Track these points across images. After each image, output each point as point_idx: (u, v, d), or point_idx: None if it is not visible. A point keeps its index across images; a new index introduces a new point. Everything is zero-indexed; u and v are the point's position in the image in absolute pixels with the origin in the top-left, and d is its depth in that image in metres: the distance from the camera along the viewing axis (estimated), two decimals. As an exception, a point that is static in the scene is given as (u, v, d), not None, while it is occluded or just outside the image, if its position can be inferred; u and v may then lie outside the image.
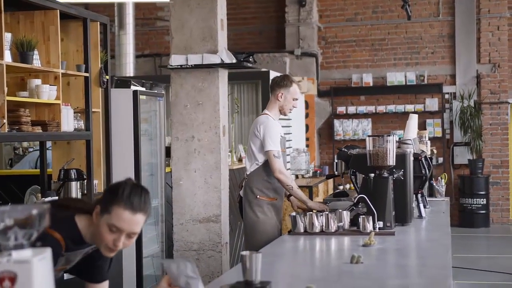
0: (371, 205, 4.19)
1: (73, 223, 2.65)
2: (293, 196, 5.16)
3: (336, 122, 12.72)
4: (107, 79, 5.92)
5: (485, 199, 12.05)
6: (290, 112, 5.32)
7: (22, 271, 1.69)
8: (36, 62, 4.91)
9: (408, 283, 2.90)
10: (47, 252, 1.76)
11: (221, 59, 5.39)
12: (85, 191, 5.60)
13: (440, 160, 12.35)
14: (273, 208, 5.17)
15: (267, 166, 5.09)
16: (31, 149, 8.14)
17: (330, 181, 10.80)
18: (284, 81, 5.23)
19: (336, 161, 5.00)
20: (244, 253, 2.72)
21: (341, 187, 10.17)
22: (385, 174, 4.33)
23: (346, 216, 4.26)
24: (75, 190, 5.40)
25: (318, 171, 10.53)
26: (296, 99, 5.26)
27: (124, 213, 2.53)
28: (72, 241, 2.62)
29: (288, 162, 9.72)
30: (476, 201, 12.02)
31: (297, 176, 10.09)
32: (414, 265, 3.40)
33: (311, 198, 8.80)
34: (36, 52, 4.91)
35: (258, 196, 5.13)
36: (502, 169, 12.41)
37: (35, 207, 1.76)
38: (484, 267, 8.75)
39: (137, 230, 2.59)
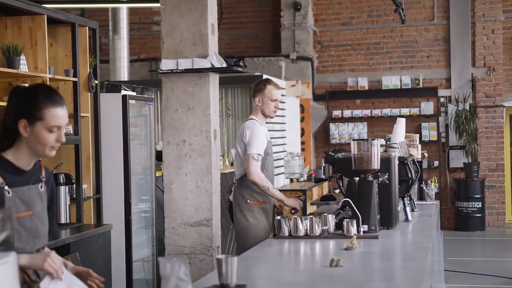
0: (355, 209, 4.20)
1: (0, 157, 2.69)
2: (270, 197, 5.21)
3: (332, 126, 12.73)
4: (96, 84, 5.94)
5: (480, 203, 12.05)
6: (275, 113, 5.36)
7: (-16, 275, 1.71)
8: (23, 67, 4.93)
9: (384, 286, 2.91)
10: (11, 256, 1.78)
11: (211, 64, 5.40)
12: (74, 196, 5.61)
13: (436, 163, 12.36)
14: (263, 211, 5.23)
15: None
16: None
17: (325, 184, 10.81)
18: (258, 86, 5.34)
19: (323, 164, 5.02)
20: (219, 256, 2.74)
21: (337, 191, 10.17)
22: (370, 178, 4.33)
23: (331, 219, 4.26)
24: (64, 194, 5.41)
25: (313, 175, 10.54)
26: (275, 100, 5.30)
27: (56, 111, 2.67)
28: (9, 173, 2.66)
29: (282, 166, 9.75)
30: (472, 204, 12.02)
31: (291, 180, 10.11)
32: (392, 268, 3.40)
33: (304, 202, 8.82)
34: (23, 57, 4.93)
35: (248, 201, 5.19)
36: (497, 173, 12.41)
37: (-2, 212, 1.78)
38: (478, 271, 8.76)
39: (67, 121, 2.77)
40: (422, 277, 2.92)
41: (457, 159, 12.39)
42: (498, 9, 12.37)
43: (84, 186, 5.78)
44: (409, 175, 4.93)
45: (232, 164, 8.54)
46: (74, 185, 5.60)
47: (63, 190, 5.43)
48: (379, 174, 4.41)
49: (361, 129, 12.65)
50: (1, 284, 1.73)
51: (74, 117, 5.62)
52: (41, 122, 2.65)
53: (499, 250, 10.58)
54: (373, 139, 4.36)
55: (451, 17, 12.47)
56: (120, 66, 10.78)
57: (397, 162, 4.63)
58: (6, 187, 2.62)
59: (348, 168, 4.42)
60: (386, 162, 4.47)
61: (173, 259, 2.48)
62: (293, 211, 5.22)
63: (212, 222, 5.49)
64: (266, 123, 5.45)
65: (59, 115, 2.67)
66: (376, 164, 4.32)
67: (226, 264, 2.72)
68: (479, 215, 12.06)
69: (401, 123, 5.54)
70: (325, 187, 10.85)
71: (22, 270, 2.57)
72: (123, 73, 10.79)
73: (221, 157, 8.36)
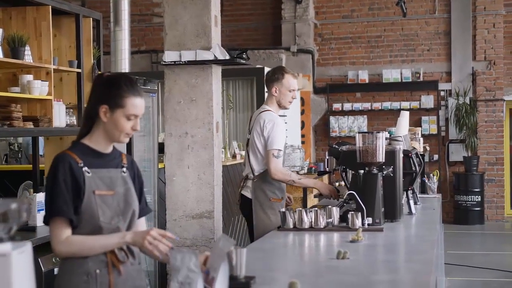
0: (360, 202, 4.21)
1: (78, 143, 2.87)
2: (302, 187, 5.07)
3: (332, 119, 12.74)
4: (100, 75, 5.94)
5: (480, 196, 12.08)
6: (290, 104, 5.26)
7: (1, 264, 1.71)
8: (28, 57, 4.92)
9: (392, 278, 2.92)
10: (27, 246, 1.78)
11: (214, 56, 5.39)
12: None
13: (436, 157, 12.37)
14: (281, 207, 5.16)
15: None
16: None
17: (326, 177, 10.82)
18: (275, 75, 5.14)
19: (327, 157, 5.01)
20: (229, 248, 2.74)
21: (336, 184, 10.17)
22: (375, 171, 4.34)
23: (336, 212, 4.27)
24: (67, 185, 5.40)
25: (314, 168, 10.54)
26: (293, 90, 5.15)
27: (136, 100, 2.81)
28: (87, 155, 2.81)
29: (283, 158, 9.75)
30: (471, 198, 12.05)
31: (292, 173, 10.10)
32: (399, 261, 3.42)
33: (305, 194, 8.81)
34: (27, 47, 4.92)
35: (271, 199, 5.07)
36: (497, 166, 12.44)
37: (14, 202, 1.78)
38: (477, 264, 8.78)
39: (144, 111, 2.91)
40: (429, 270, 2.92)
41: (457, 153, 12.41)
42: (499, 2, 12.37)
43: (87, 177, 5.77)
44: (413, 168, 4.94)
45: (233, 157, 8.54)
46: (77, 176, 5.59)
47: (67, 181, 5.41)
48: (383, 167, 4.41)
49: (361, 122, 12.66)
50: (17, 273, 1.74)
51: (78, 108, 5.62)
52: (121, 109, 2.79)
53: (498, 243, 10.61)
54: (378, 132, 4.37)
55: (452, 11, 12.47)
56: (121, 57, 10.70)
57: (401, 155, 4.63)
58: (86, 168, 2.77)
59: (352, 161, 4.42)
60: (390, 155, 4.47)
61: (184, 251, 2.48)
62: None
63: (214, 214, 5.49)
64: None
65: (138, 104, 2.82)
66: (381, 157, 4.33)
67: (235, 256, 2.73)
68: (478, 208, 12.09)
69: (405, 117, 5.54)
70: (325, 180, 10.86)
71: (111, 251, 2.76)
72: (125, 65, 10.70)
73: (223, 150, 8.36)
